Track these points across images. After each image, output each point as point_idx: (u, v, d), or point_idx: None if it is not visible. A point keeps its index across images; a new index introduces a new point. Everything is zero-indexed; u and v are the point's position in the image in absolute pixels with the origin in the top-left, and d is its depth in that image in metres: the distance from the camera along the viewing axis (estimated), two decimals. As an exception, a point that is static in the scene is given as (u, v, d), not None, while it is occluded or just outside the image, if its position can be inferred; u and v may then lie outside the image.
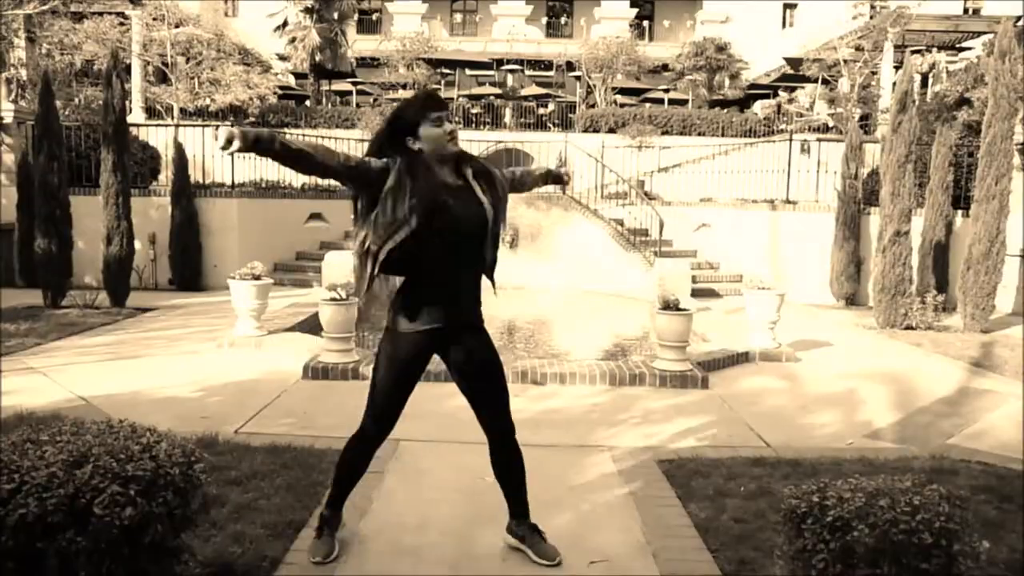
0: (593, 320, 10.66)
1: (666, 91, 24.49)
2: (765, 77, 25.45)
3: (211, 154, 12.81)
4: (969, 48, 21.45)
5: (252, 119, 17.98)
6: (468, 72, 27.93)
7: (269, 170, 13.86)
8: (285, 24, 24.53)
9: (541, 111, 23.51)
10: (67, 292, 9.34)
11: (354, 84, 24.58)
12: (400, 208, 2.77)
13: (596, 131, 19.02)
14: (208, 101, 17.47)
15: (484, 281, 3.09)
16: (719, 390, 6.20)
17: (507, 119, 22.46)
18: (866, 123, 18.39)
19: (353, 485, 3.25)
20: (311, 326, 7.96)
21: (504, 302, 11.51)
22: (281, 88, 21.95)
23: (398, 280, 2.99)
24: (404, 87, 24.15)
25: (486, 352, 3.10)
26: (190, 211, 11.45)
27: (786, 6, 31.94)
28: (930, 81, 20.29)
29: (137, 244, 10.15)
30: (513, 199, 12.61)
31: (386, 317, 3.04)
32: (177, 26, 17.30)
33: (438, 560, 3.17)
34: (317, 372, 6.21)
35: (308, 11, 23.36)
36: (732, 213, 13.46)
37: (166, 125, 14.66)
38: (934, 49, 20.90)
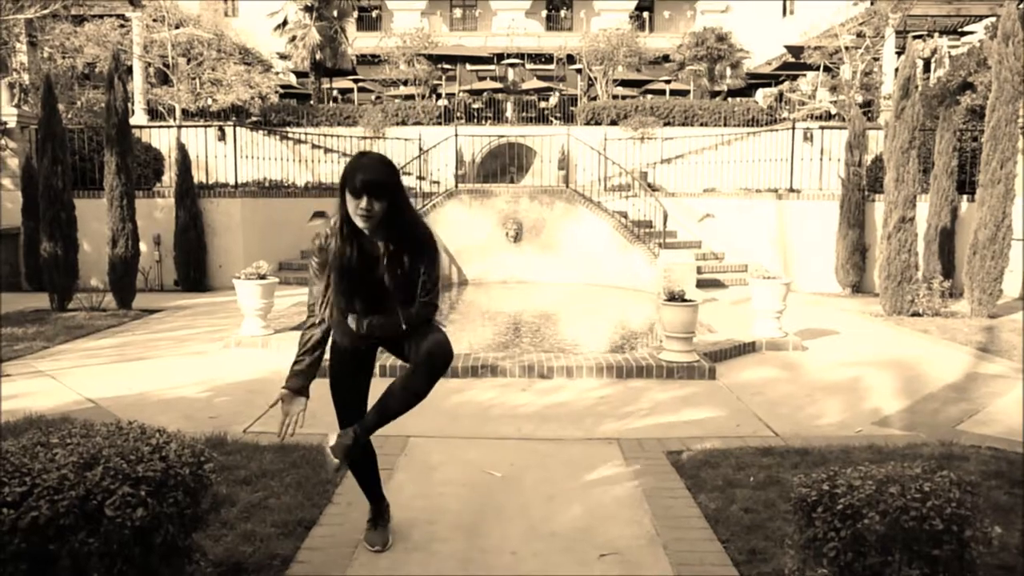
0: (599, 313, 10.65)
1: (667, 82, 24.39)
2: (766, 66, 25.31)
3: (214, 154, 12.83)
4: (971, 32, 21.30)
5: (254, 118, 17.98)
6: (469, 67, 27.85)
7: (272, 169, 13.89)
8: (285, 23, 24.54)
9: (543, 104, 23.44)
10: (73, 295, 9.36)
11: (355, 81, 24.57)
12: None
13: (598, 123, 18.96)
14: (210, 101, 17.49)
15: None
16: (726, 380, 6.20)
17: (509, 113, 22.41)
18: (869, 110, 18.29)
19: None
20: (317, 324, 7.97)
21: (509, 296, 11.57)
22: (282, 87, 21.97)
23: None
24: (405, 83, 24.13)
25: None
26: (194, 212, 11.47)
27: (786, -7, 31.77)
28: (932, 66, 20.17)
29: (142, 246, 10.16)
30: (515, 191, 12.53)
31: None
32: (177, 27, 17.30)
33: (448, 555, 3.18)
34: (323, 370, 6.19)
35: (308, 9, 23.34)
36: (736, 203, 13.43)
37: (168, 126, 14.68)
38: (936, 34, 20.76)
